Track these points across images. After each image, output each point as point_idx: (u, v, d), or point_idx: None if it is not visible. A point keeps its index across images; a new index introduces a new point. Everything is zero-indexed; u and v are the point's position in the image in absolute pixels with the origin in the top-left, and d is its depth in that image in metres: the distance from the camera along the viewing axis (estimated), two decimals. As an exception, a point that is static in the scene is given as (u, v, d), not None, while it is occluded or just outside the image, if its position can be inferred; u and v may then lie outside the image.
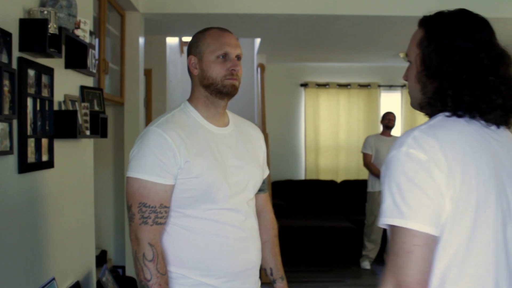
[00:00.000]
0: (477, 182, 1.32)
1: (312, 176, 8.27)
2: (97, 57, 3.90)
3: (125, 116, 4.77)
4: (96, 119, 3.13)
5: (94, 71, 3.26)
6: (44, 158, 2.56)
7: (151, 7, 4.88)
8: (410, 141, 1.33)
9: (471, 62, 1.38)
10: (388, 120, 6.48)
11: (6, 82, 2.16)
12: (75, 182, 3.05)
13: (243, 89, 9.18)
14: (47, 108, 2.58)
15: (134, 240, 1.86)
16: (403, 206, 1.28)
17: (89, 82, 3.29)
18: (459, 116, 1.39)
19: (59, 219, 2.79)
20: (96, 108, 3.28)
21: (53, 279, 2.56)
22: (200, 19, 4.99)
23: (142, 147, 1.89)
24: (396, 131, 6.86)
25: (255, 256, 2.03)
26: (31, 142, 2.42)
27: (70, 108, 2.85)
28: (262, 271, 2.23)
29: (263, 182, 2.19)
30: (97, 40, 3.94)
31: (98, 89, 3.38)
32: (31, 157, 2.42)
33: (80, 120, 2.95)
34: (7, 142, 2.18)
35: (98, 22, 4.01)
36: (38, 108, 2.50)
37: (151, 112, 6.01)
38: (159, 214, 1.87)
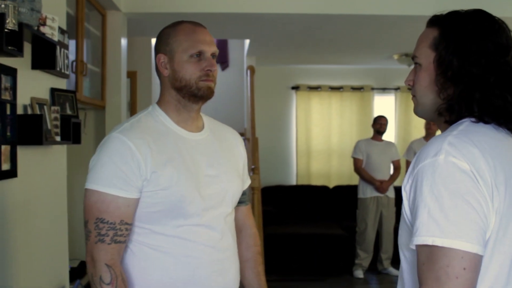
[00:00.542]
0: None
1: (303, 181, 8.10)
2: (74, 58, 3.71)
3: (106, 120, 4.58)
4: (68, 124, 2.91)
5: (67, 72, 3.04)
6: (5, 167, 2.33)
7: (134, 7, 4.70)
8: (448, 148, 1.17)
9: (498, 65, 1.28)
10: (379, 125, 6.31)
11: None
12: (44, 192, 2.82)
13: (232, 92, 9.02)
14: (8, 112, 2.35)
15: (90, 262, 1.65)
16: (445, 222, 1.11)
17: (61, 84, 3.07)
18: (486, 122, 1.26)
19: (23, 233, 2.56)
20: (69, 112, 3.06)
21: (15, 299, 2.34)
22: (187, 19, 4.78)
23: (101, 156, 1.68)
24: (388, 135, 6.69)
25: (232, 280, 1.82)
26: (-12, 150, 2.19)
27: (38, 112, 2.63)
28: None
29: (244, 194, 1.98)
30: (74, 41, 3.73)
31: (71, 91, 3.15)
32: (-12, 166, 2.19)
33: (48, 125, 2.72)
34: (-43, 150, 1.96)
35: (76, 21, 3.80)
36: (-3, 112, 2.27)
37: (136, 115, 5.81)
38: (119, 231, 1.65)
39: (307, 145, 8.16)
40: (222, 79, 8.42)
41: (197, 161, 1.77)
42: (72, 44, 3.67)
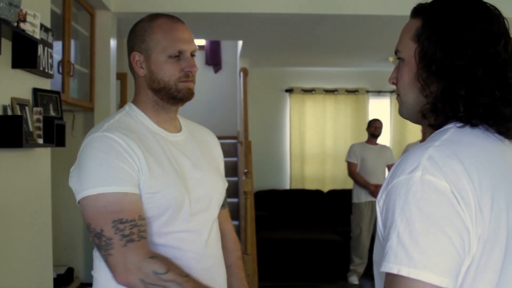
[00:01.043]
0: (507, 215, 1.01)
1: (297, 185, 7.98)
2: (60, 58, 3.59)
3: (95, 123, 4.44)
4: (51, 125, 2.78)
5: (51, 72, 2.92)
6: (-18, 170, 2.22)
7: (124, 6, 4.58)
8: (426, 164, 1.01)
9: (487, 56, 1.11)
10: (374, 128, 6.20)
11: None
12: (26, 197, 2.69)
13: (225, 95, 8.91)
14: (-15, 112, 2.23)
15: (126, 271, 1.45)
16: (414, 250, 0.97)
17: (45, 84, 2.94)
18: (474, 125, 1.10)
19: (3, 240, 2.43)
20: (52, 113, 2.93)
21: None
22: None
23: (91, 157, 1.52)
24: (383, 139, 6.58)
25: (221, 287, 1.72)
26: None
27: (18, 113, 2.51)
28: None
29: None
30: (61, 41, 3.61)
31: (55, 92, 3.03)
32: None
33: (30, 127, 2.60)
34: None
35: (62, 20, 3.68)
36: (-27, 112, 2.15)
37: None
38: (141, 227, 1.50)
39: (301, 148, 8.05)
40: (215, 82, 8.31)
41: (181, 163, 1.66)
42: (58, 44, 3.56)
